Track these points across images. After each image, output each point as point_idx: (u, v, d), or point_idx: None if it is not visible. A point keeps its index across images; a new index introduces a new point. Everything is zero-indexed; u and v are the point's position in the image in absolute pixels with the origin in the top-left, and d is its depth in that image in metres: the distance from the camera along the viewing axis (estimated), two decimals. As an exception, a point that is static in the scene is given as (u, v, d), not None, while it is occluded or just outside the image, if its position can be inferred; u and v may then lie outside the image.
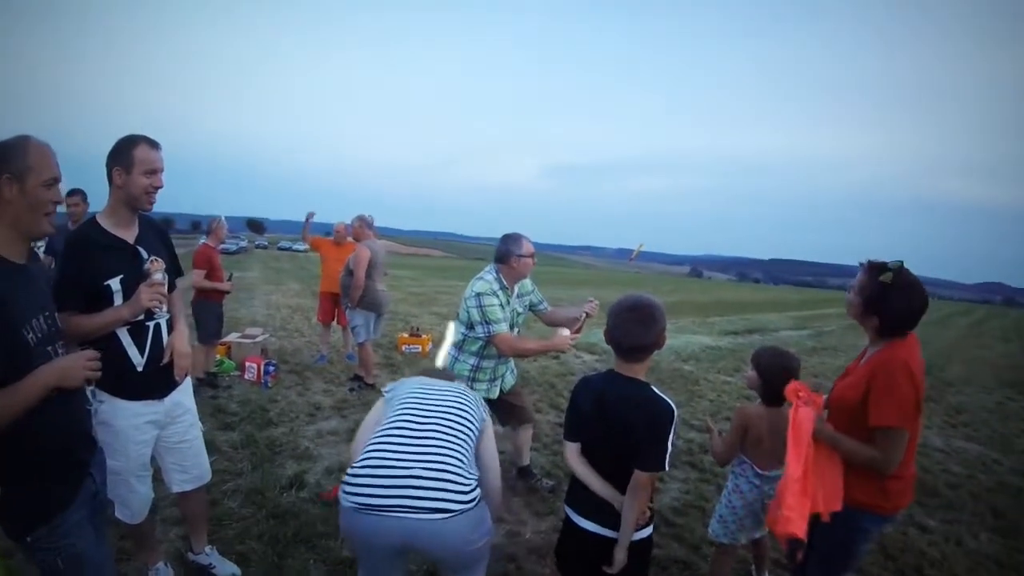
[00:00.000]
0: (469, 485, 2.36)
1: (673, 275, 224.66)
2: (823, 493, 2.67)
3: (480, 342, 4.42)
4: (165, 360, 3.00)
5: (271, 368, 7.72)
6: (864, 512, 2.65)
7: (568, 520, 2.61)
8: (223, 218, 7.82)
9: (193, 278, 7.29)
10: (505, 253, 4.43)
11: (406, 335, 11.03)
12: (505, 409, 4.85)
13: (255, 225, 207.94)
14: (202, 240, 7.81)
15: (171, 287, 3.09)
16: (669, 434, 2.33)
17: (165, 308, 3.02)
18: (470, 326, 4.38)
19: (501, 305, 4.35)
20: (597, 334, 9.32)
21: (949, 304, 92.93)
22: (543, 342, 4.39)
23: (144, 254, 2.92)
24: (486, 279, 4.38)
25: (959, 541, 4.87)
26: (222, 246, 7.74)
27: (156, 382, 3.02)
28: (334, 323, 9.44)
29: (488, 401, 4.53)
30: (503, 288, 4.44)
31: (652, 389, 2.42)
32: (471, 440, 2.60)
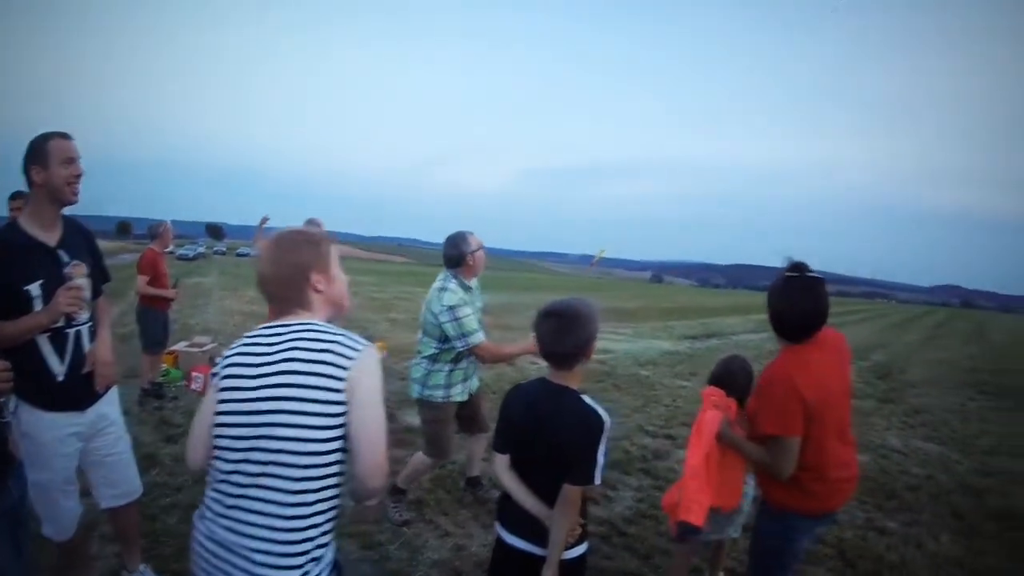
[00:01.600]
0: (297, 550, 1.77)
1: (635, 280, 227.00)
2: (726, 490, 3.04)
3: (455, 352, 4.30)
4: (86, 369, 2.93)
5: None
6: (790, 513, 2.73)
7: (498, 538, 2.50)
8: (169, 222, 7.57)
9: (137, 284, 7.16)
10: (458, 256, 4.35)
11: (362, 345, 10.74)
12: (465, 415, 4.73)
13: (214, 230, 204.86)
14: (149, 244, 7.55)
15: (97, 293, 3.06)
16: (599, 446, 2.24)
17: (87, 314, 2.95)
18: (444, 339, 4.26)
19: (473, 312, 4.27)
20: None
21: (909, 307, 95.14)
22: (521, 345, 4.24)
23: (65, 257, 2.85)
24: (451, 288, 4.26)
25: (919, 544, 4.85)
26: (180, 252, 7.52)
27: (78, 392, 2.94)
28: None
29: (426, 403, 4.43)
30: (467, 290, 4.36)
31: (582, 399, 2.33)
32: (319, 436, 1.76)
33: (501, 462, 2.48)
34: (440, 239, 4.50)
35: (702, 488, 2.95)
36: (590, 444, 2.24)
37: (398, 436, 6.18)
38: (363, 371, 1.78)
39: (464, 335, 4.15)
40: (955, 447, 8.00)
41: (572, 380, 2.38)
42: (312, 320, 1.87)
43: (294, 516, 1.73)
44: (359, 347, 1.81)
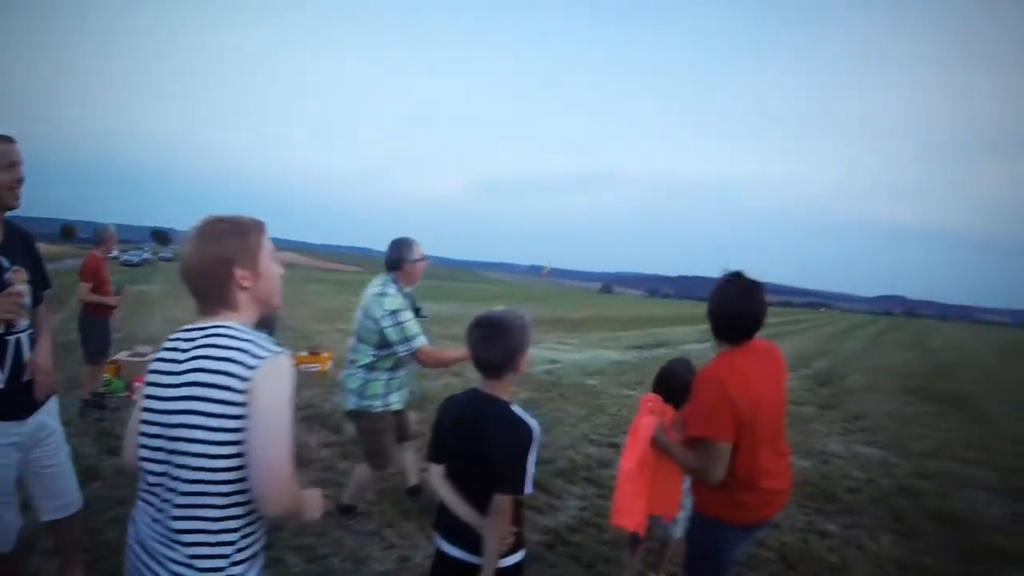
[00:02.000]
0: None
1: (585, 291, 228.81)
2: (662, 497, 3.04)
3: (394, 358, 4.25)
4: (26, 377, 2.89)
5: None
6: (719, 522, 2.76)
7: (437, 547, 2.52)
8: (112, 227, 7.35)
9: (80, 291, 6.98)
10: (399, 259, 4.32)
11: (304, 354, 10.70)
12: (397, 425, 4.65)
13: (160, 236, 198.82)
14: (91, 250, 7.32)
15: (37, 300, 3.00)
16: (528, 456, 2.28)
17: (27, 321, 2.90)
18: (383, 346, 4.20)
19: (413, 317, 4.23)
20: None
21: (852, 316, 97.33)
22: (463, 350, 4.20)
23: (5, 263, 2.80)
24: (391, 293, 4.20)
25: (860, 545, 4.92)
26: (125, 257, 7.29)
27: (18, 402, 2.88)
28: None
29: (364, 415, 4.35)
30: (406, 295, 4.31)
31: (511, 409, 2.35)
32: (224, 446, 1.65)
33: (436, 472, 2.49)
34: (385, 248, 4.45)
35: (637, 493, 2.98)
36: (518, 454, 2.27)
37: (346, 448, 6.14)
38: (266, 378, 1.62)
39: (407, 339, 4.12)
40: (894, 451, 8.17)
41: (501, 390, 2.40)
42: (230, 322, 1.73)
43: (204, 530, 1.65)
44: (265, 353, 1.65)
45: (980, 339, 48.24)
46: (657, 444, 2.95)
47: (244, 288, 1.76)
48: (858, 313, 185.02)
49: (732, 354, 2.73)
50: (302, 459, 5.69)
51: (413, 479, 5.03)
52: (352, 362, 4.34)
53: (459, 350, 4.25)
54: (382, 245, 4.57)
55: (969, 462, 7.91)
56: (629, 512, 2.95)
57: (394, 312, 4.10)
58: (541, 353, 14.33)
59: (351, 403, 4.32)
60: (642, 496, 2.98)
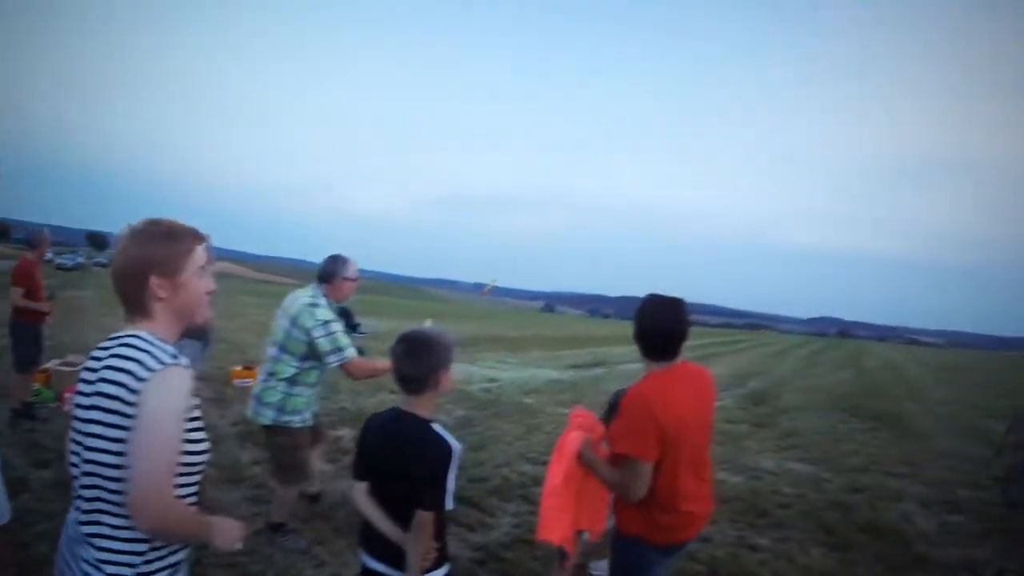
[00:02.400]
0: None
1: (527, 310, 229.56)
2: (588, 513, 3.04)
3: (318, 371, 4.24)
4: None
5: None
6: (639, 540, 2.80)
7: (362, 563, 2.54)
8: (46, 230, 7.10)
9: (11, 296, 6.75)
10: (332, 273, 4.31)
11: (239, 368, 10.52)
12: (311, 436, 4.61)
13: (96, 240, 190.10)
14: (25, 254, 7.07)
15: None
16: (448, 473, 2.32)
17: None
18: (308, 357, 4.17)
19: (342, 328, 4.22)
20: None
21: (789, 337, 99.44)
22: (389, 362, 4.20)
23: None
24: (322, 304, 4.18)
25: (791, 558, 4.98)
26: (58, 260, 7.01)
27: None
28: None
29: (283, 430, 4.29)
30: (334, 309, 4.29)
31: (432, 427, 2.40)
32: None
33: (359, 489, 2.52)
34: None
35: (563, 508, 2.96)
36: (438, 471, 2.31)
37: (332, 456, 6.16)
38: (153, 390, 1.56)
39: (339, 350, 4.09)
40: (826, 467, 8.31)
41: (422, 407, 2.45)
42: (143, 331, 1.67)
43: (110, 536, 1.63)
44: (157, 365, 1.59)
45: (913, 359, 49.71)
46: (583, 459, 2.93)
47: (160, 298, 1.70)
48: (795, 335, 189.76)
49: (660, 375, 2.77)
50: (234, 477, 5.61)
51: (315, 486, 5.08)
52: (271, 374, 4.24)
53: (388, 361, 4.26)
54: (319, 257, 4.51)
55: (900, 476, 8.11)
56: (555, 527, 2.94)
57: (326, 323, 4.08)
58: (480, 371, 14.32)
59: (267, 417, 4.22)
60: (568, 511, 2.97)
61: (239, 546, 1.78)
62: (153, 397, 1.56)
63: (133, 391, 1.55)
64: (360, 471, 2.53)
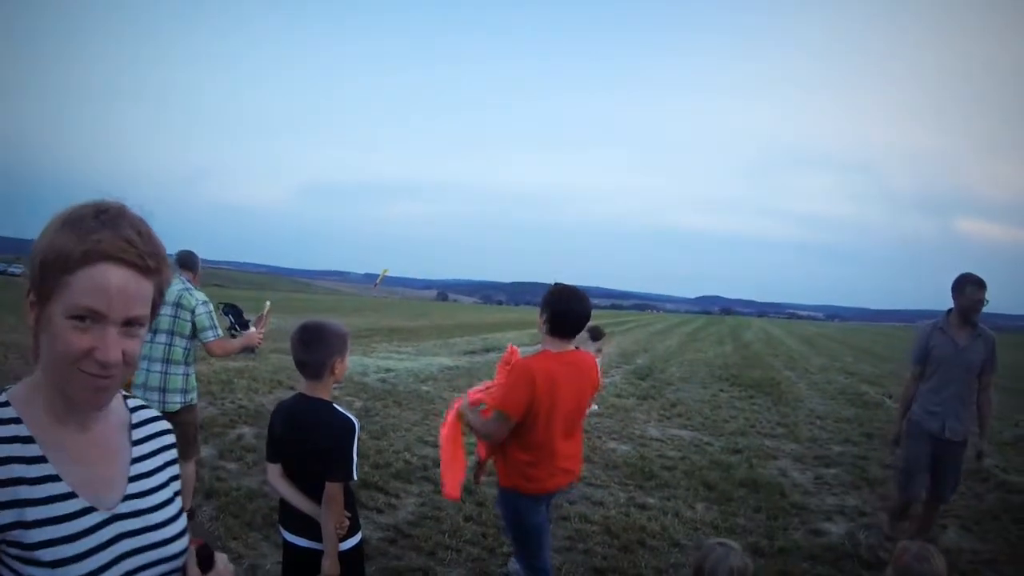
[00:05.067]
0: None
1: (420, 299, 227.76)
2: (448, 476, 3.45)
3: (192, 351, 4.59)
4: None
5: None
6: (514, 490, 3.27)
7: (284, 540, 2.74)
8: None
9: None
10: (194, 263, 4.79)
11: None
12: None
13: None
14: None
15: None
16: (352, 445, 2.57)
17: None
18: (192, 337, 4.51)
19: None
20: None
21: (674, 316, 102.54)
22: (244, 338, 4.71)
23: None
24: (192, 288, 4.58)
25: (677, 513, 5.43)
26: None
27: None
28: None
29: (188, 408, 4.64)
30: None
31: (334, 407, 2.66)
32: None
33: (273, 471, 2.73)
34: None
35: (452, 459, 3.44)
36: (343, 444, 2.56)
37: (236, 455, 6.01)
38: None
39: (215, 326, 4.58)
40: (707, 431, 8.97)
41: (323, 391, 2.68)
42: None
43: None
44: None
45: (790, 332, 52.30)
46: (460, 413, 3.40)
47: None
48: (680, 313, 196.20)
49: (550, 357, 3.24)
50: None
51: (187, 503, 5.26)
52: (167, 361, 4.47)
53: (242, 338, 4.79)
54: (200, 252, 4.78)
55: (776, 437, 8.83)
56: (450, 482, 3.41)
57: (205, 302, 4.57)
58: (376, 362, 14.34)
59: (177, 403, 4.49)
60: (457, 464, 3.44)
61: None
62: None
63: None
64: (272, 454, 2.74)
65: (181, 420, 4.41)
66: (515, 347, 3.56)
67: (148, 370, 4.43)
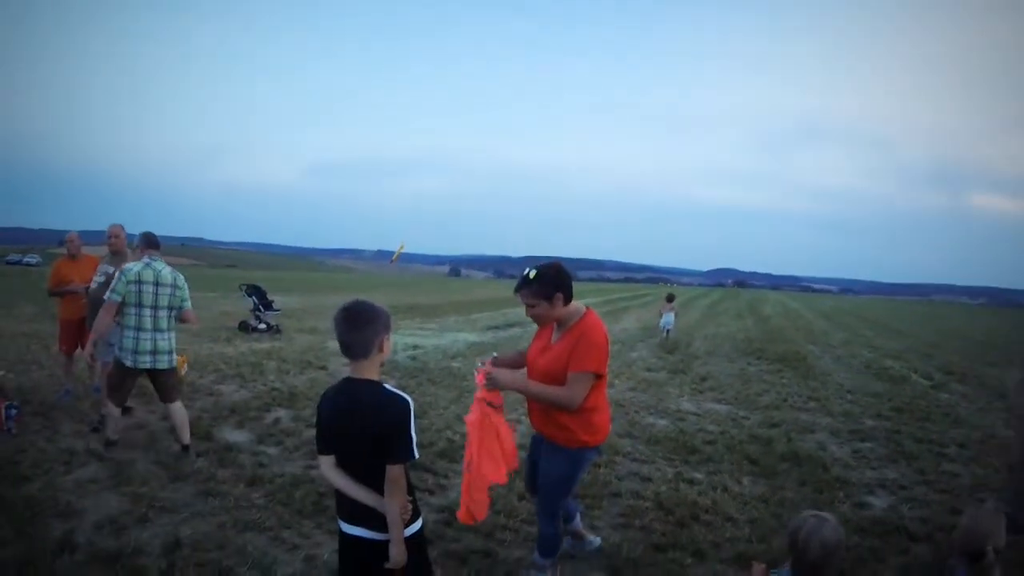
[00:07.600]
0: None
1: (434, 276, 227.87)
2: (491, 466, 3.45)
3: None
4: None
5: (13, 411, 6.41)
6: (583, 448, 3.54)
7: (341, 532, 2.67)
8: None
9: None
10: (158, 242, 5.72)
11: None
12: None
13: None
14: None
15: None
16: (410, 424, 2.48)
17: None
18: (179, 307, 5.62)
19: None
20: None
21: (689, 290, 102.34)
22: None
23: None
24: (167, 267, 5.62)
25: (725, 488, 5.45)
26: None
27: None
28: (78, 351, 7.48)
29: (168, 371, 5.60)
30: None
31: (385, 386, 2.56)
32: None
33: (326, 463, 2.64)
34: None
35: (491, 447, 3.46)
36: (402, 425, 2.47)
37: (220, 455, 5.77)
38: None
39: (188, 298, 5.73)
40: (741, 406, 9.01)
41: (371, 372, 2.59)
42: None
43: None
44: None
45: (807, 305, 52.13)
46: (528, 392, 3.51)
47: None
48: (695, 287, 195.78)
49: (591, 310, 3.60)
50: (178, 474, 5.26)
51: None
52: (164, 330, 5.53)
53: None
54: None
55: (809, 411, 8.87)
56: (476, 506, 3.50)
57: (183, 278, 5.70)
58: (403, 340, 14.40)
59: (168, 361, 5.54)
60: (485, 480, 3.48)
61: None
62: None
63: None
64: (323, 446, 2.65)
65: (165, 376, 5.59)
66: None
67: (156, 339, 5.45)
